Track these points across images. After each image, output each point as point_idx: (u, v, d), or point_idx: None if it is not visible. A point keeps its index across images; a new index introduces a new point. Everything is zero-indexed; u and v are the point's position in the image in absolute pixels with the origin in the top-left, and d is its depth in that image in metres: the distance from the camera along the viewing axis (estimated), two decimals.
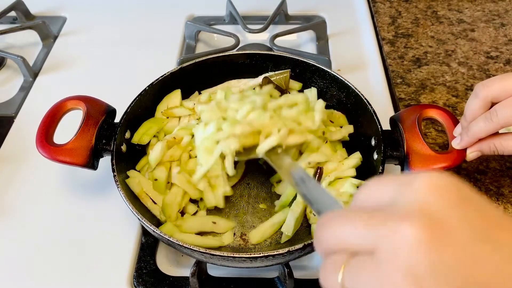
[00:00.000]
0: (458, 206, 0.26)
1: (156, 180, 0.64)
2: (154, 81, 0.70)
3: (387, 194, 0.29)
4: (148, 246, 0.65)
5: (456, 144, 0.59)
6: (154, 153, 0.65)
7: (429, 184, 0.27)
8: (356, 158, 0.66)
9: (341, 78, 0.70)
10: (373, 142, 0.65)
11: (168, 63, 0.91)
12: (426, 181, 0.27)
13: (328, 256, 0.31)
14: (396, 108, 0.82)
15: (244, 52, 0.76)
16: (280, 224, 0.63)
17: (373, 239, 0.27)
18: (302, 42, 0.99)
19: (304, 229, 0.64)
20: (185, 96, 0.75)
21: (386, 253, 0.26)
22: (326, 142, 0.67)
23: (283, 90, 0.75)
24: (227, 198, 0.67)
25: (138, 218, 0.55)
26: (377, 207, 0.29)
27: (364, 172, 0.66)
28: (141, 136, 0.68)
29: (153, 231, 0.54)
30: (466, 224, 0.25)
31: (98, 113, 0.65)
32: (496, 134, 0.56)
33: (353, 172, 0.65)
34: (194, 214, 0.65)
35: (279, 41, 0.92)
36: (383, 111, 0.76)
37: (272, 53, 0.76)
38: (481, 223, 0.26)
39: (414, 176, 0.28)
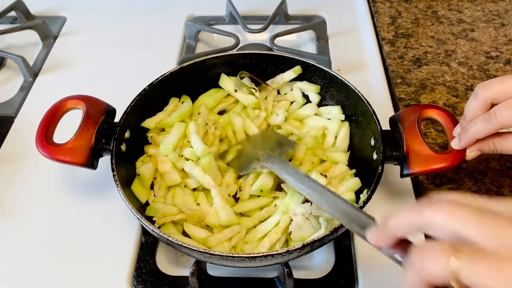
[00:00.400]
0: None
1: (139, 175, 0.66)
2: (154, 81, 0.70)
3: (497, 206, 0.32)
4: (148, 245, 0.65)
5: (455, 144, 0.59)
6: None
7: None
8: (355, 182, 0.65)
9: (341, 78, 0.70)
10: (372, 142, 0.65)
11: (168, 63, 0.91)
12: None
13: (427, 244, 0.32)
14: (396, 108, 0.82)
15: (244, 52, 0.76)
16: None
17: (484, 233, 0.30)
18: (302, 42, 0.99)
19: None
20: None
21: (505, 250, 0.29)
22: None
23: (259, 83, 0.76)
24: None
25: (138, 218, 0.55)
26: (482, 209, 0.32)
27: (364, 172, 0.66)
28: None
29: (153, 230, 0.54)
30: None
31: (98, 113, 0.65)
32: (496, 133, 0.56)
33: (351, 196, 0.63)
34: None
35: (279, 41, 0.92)
36: (383, 111, 0.76)
37: (272, 53, 0.76)
38: None
39: None
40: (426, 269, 0.32)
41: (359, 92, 0.67)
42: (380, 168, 0.58)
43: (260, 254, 0.51)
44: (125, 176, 0.64)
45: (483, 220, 0.31)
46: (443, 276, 0.31)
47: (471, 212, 0.31)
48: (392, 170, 0.68)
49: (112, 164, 0.60)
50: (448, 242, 0.32)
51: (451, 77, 0.87)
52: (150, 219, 0.62)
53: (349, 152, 0.70)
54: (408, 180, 0.70)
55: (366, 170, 0.65)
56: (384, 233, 0.39)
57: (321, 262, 0.63)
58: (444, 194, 0.36)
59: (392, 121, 0.65)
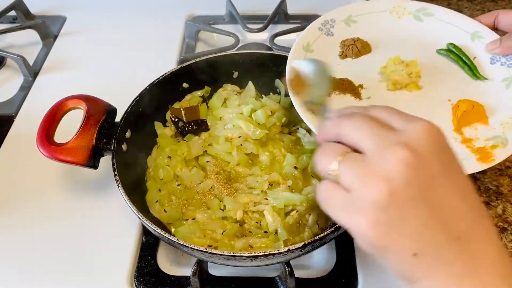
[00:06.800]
0: (438, 152, 0.36)
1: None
2: (155, 81, 0.70)
3: (396, 122, 0.38)
4: (149, 245, 0.65)
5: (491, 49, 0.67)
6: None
7: (428, 128, 0.36)
8: None
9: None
10: None
11: (168, 63, 0.91)
12: (426, 126, 0.36)
13: (328, 144, 0.39)
14: None
15: (244, 51, 0.77)
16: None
17: (373, 145, 0.36)
18: None
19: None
20: (181, 96, 0.76)
21: (378, 158, 0.35)
22: None
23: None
24: None
25: (139, 217, 0.55)
26: (385, 125, 0.37)
27: None
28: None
29: (154, 230, 0.54)
30: (440, 165, 0.35)
31: (98, 113, 0.65)
32: None
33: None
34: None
35: (278, 40, 0.92)
36: None
37: (272, 52, 0.77)
38: (447, 167, 0.36)
39: (419, 119, 0.37)
40: (316, 165, 0.39)
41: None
42: None
43: (261, 254, 0.51)
44: (126, 175, 0.64)
45: (376, 136, 0.36)
46: (324, 173, 0.38)
47: (372, 127, 0.37)
48: None
49: (113, 164, 0.60)
50: (344, 147, 0.38)
51: None
52: (151, 219, 0.62)
53: None
54: None
55: None
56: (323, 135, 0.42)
57: (322, 261, 0.64)
58: (360, 108, 0.41)
59: None
